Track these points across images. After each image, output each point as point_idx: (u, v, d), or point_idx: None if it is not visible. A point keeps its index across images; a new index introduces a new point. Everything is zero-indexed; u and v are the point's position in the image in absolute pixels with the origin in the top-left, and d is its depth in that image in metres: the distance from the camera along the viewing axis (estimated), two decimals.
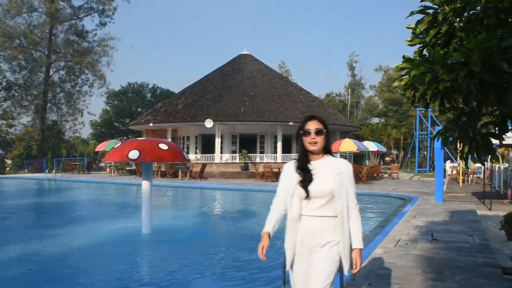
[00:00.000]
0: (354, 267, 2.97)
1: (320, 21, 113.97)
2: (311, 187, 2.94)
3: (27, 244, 8.72)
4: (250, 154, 30.81)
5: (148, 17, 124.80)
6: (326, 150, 3.10)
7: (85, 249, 8.31)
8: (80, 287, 6.09)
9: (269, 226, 3.09)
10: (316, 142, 3.01)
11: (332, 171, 2.99)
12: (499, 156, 25.25)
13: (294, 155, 31.96)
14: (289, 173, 3.09)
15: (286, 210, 3.09)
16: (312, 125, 3.04)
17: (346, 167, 3.04)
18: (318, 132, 3.02)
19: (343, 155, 34.18)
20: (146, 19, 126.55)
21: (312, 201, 2.96)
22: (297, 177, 3.01)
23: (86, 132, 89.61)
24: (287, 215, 3.06)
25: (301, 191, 2.96)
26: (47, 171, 31.47)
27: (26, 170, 38.24)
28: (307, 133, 3.03)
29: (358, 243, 2.98)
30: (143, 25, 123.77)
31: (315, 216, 2.98)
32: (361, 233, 3.02)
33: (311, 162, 3.04)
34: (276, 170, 24.49)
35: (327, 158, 3.09)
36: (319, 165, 3.02)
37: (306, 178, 2.97)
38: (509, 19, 2.78)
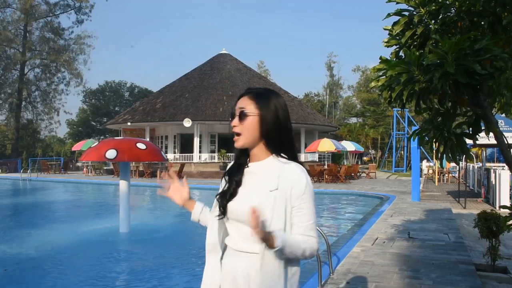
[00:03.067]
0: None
1: (298, 21, 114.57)
2: (231, 204, 1.88)
3: (3, 245, 8.56)
4: (229, 154, 30.76)
5: (125, 14, 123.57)
6: (274, 146, 1.88)
7: (62, 249, 8.19)
8: (57, 287, 6.02)
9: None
10: (239, 134, 1.86)
11: (266, 183, 1.81)
12: (473, 155, 25.80)
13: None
14: (224, 179, 2.02)
15: None
16: (240, 104, 1.88)
17: (295, 179, 1.79)
18: (241, 116, 1.85)
19: (322, 155, 34.44)
20: (124, 17, 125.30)
21: (237, 226, 1.86)
22: (222, 185, 1.98)
23: (62, 131, 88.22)
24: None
25: (217, 207, 1.95)
26: (22, 171, 30.91)
27: (0, 170, 37.49)
28: (232, 117, 1.91)
29: (279, 234, 1.69)
30: (120, 23, 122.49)
31: (238, 250, 1.85)
32: (294, 243, 1.74)
33: (249, 164, 1.93)
34: None
35: (272, 161, 1.87)
36: (256, 170, 1.89)
37: (227, 189, 1.92)
38: (482, 22, 2.84)
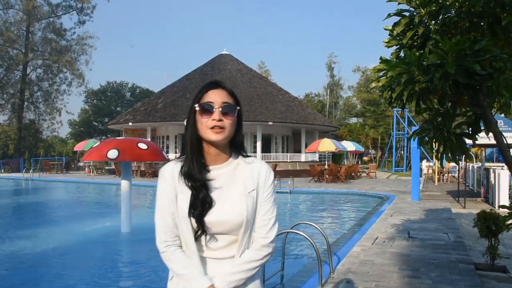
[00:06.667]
0: None
1: (299, 21, 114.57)
2: (209, 218, 1.69)
3: (4, 244, 8.59)
4: None
5: (127, 15, 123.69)
6: (236, 145, 1.83)
7: (64, 249, 8.22)
8: (59, 287, 6.04)
9: (199, 272, 1.72)
10: (222, 128, 1.70)
11: (243, 186, 1.75)
12: (473, 155, 25.81)
13: (273, 154, 32.08)
14: (170, 185, 1.75)
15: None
16: (218, 96, 1.74)
17: (265, 174, 1.80)
18: (226, 110, 1.73)
19: (322, 155, 34.44)
20: (125, 17, 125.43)
21: (218, 237, 1.73)
22: (185, 195, 1.71)
23: (64, 131, 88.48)
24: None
25: (191, 222, 1.69)
26: (24, 170, 31.00)
27: (2, 170, 37.59)
28: (207, 109, 1.72)
29: (221, 279, 1.70)
30: (122, 24, 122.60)
31: (223, 258, 1.75)
32: (243, 271, 1.72)
33: (209, 167, 1.76)
34: None
35: (236, 161, 1.82)
36: (222, 174, 1.77)
37: (198, 201, 1.69)
38: (481, 23, 2.87)
